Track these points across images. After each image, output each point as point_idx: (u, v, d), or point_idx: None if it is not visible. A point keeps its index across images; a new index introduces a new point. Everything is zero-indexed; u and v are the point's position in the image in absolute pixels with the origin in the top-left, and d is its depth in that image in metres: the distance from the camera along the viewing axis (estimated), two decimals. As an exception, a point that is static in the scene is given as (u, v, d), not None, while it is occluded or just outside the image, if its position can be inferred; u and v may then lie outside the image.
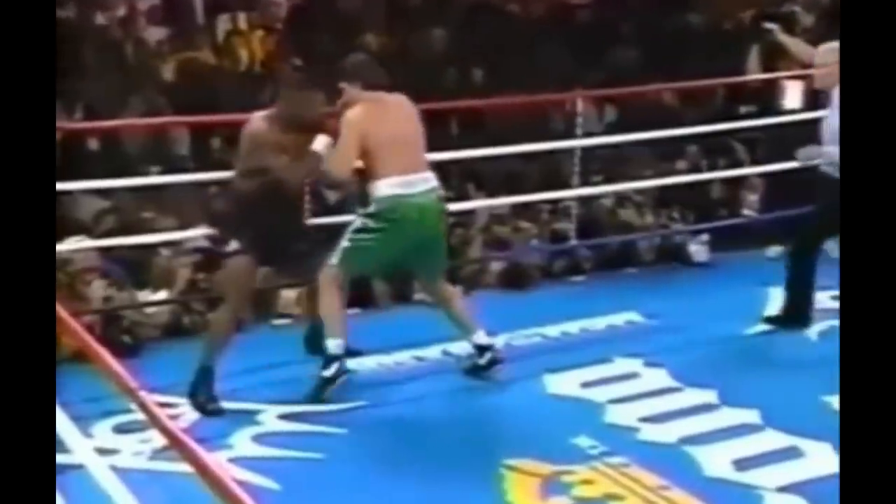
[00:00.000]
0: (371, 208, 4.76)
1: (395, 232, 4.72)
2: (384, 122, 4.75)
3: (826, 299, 5.66)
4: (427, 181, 4.79)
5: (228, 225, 4.97)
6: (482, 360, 5.01)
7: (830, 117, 5.29)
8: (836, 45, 5.34)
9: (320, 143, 4.74)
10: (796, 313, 5.59)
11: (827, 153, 5.22)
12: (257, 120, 4.83)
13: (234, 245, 4.83)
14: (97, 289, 5.52)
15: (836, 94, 5.25)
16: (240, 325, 5.11)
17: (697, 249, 6.98)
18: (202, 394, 4.76)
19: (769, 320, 5.67)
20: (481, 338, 5.02)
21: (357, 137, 4.71)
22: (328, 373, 4.75)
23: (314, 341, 5.27)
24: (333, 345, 4.77)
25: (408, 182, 4.72)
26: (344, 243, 4.80)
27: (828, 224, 5.09)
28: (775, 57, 7.07)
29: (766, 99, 7.36)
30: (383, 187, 4.71)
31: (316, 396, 4.75)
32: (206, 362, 4.80)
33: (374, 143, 4.72)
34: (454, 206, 6.07)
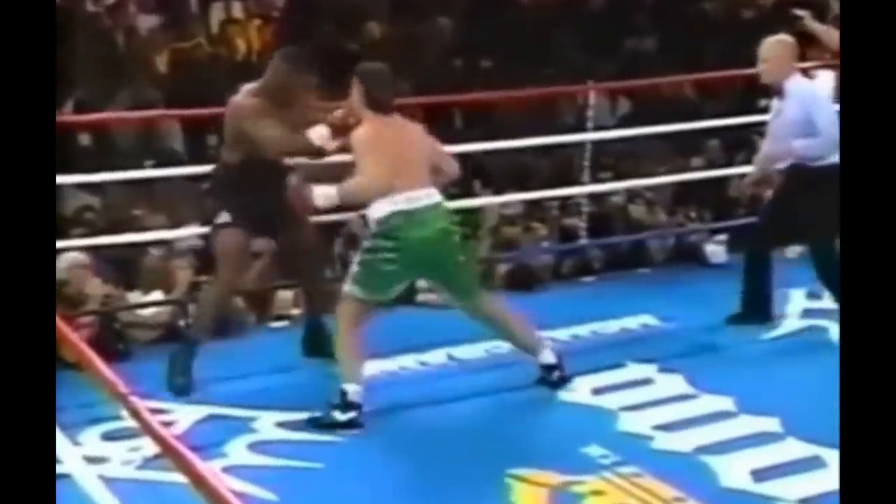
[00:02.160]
0: (375, 229, 4.70)
1: (405, 250, 4.66)
2: (388, 140, 4.70)
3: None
4: (430, 196, 4.72)
5: (218, 195, 5.06)
6: (552, 377, 4.95)
7: (787, 111, 5.36)
8: (779, 38, 5.46)
9: (316, 132, 4.76)
10: (757, 311, 5.69)
11: (795, 148, 5.34)
12: (243, 91, 4.94)
13: (223, 217, 4.93)
14: (95, 287, 5.54)
15: (787, 87, 5.35)
16: (230, 301, 5.25)
17: (714, 250, 6.97)
18: (178, 370, 4.91)
19: (733, 320, 5.71)
20: (547, 357, 4.94)
21: (374, 153, 4.65)
22: (342, 417, 4.61)
23: (312, 343, 5.29)
24: (351, 391, 4.62)
25: (409, 198, 4.66)
26: (355, 267, 4.75)
27: (795, 217, 5.34)
28: (804, 46, 7.08)
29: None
30: (385, 206, 4.66)
31: (316, 427, 4.63)
32: (192, 336, 4.96)
33: (372, 157, 4.67)
34: (459, 204, 6.09)
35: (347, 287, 4.76)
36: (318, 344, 5.27)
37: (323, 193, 4.64)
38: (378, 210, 4.68)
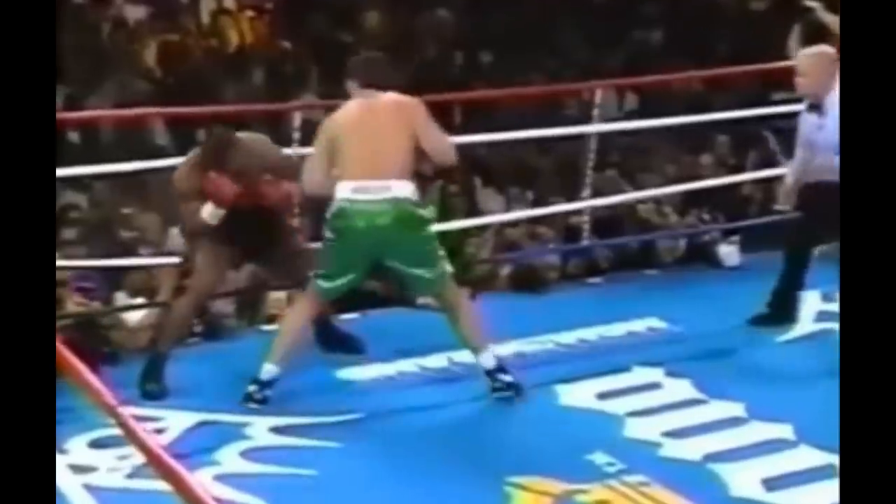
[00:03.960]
0: (328, 215, 4.80)
1: (344, 241, 4.73)
2: (363, 123, 4.75)
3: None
4: (388, 189, 4.67)
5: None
6: (496, 385, 4.88)
7: (829, 128, 5.20)
8: (818, 49, 5.38)
9: (207, 212, 4.88)
10: (781, 312, 5.67)
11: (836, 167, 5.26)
12: (188, 161, 5.05)
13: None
14: (78, 307, 5.57)
15: (826, 104, 5.25)
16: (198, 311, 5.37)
17: (728, 252, 6.92)
18: (151, 377, 4.97)
19: (756, 321, 5.69)
20: (488, 361, 4.91)
21: (324, 146, 4.80)
22: (250, 388, 4.80)
23: (324, 338, 5.32)
24: (265, 369, 4.81)
25: (362, 188, 4.68)
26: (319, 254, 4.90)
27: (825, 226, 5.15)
28: (817, 38, 7.07)
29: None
30: (339, 191, 4.72)
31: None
32: (161, 346, 5.04)
33: (346, 144, 4.74)
34: (465, 223, 6.13)
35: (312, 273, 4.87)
36: (334, 340, 5.34)
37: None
38: (336, 194, 4.74)
